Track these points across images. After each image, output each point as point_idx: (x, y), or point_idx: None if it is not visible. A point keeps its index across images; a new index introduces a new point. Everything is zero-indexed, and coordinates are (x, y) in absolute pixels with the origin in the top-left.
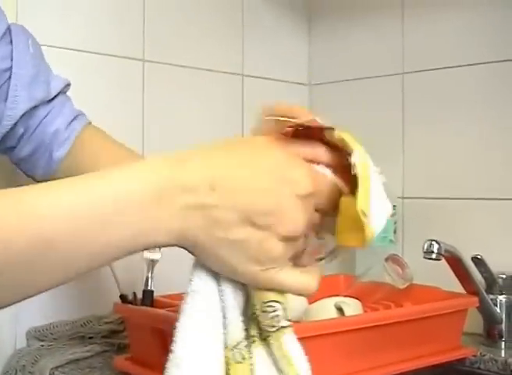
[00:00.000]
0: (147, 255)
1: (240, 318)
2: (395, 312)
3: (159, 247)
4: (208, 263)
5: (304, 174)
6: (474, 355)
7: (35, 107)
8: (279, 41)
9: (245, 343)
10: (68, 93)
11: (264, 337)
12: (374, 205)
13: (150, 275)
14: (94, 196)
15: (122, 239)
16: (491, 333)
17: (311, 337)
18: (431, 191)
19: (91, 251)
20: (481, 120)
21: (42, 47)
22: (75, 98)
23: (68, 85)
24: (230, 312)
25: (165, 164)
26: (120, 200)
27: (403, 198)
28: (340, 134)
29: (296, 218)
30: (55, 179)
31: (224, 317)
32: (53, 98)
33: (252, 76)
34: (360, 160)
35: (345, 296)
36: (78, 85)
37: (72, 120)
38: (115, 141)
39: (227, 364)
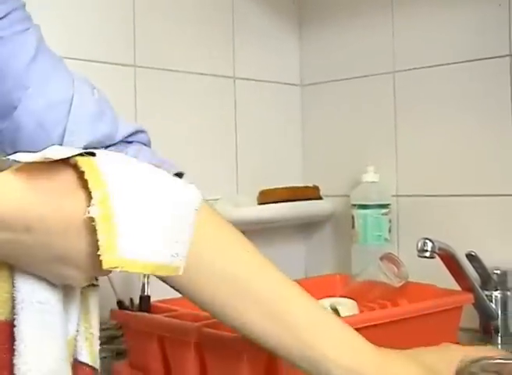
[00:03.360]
0: None
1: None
2: (391, 312)
3: None
4: None
5: None
6: None
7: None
8: (269, 43)
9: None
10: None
11: None
12: None
13: (146, 281)
14: None
15: None
16: (487, 329)
17: None
18: (424, 188)
19: None
20: (473, 117)
21: None
22: None
23: (140, 132)
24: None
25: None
26: None
27: (397, 196)
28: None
29: None
30: None
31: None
32: (125, 142)
33: (244, 79)
34: (98, 202)
35: (340, 296)
36: None
37: None
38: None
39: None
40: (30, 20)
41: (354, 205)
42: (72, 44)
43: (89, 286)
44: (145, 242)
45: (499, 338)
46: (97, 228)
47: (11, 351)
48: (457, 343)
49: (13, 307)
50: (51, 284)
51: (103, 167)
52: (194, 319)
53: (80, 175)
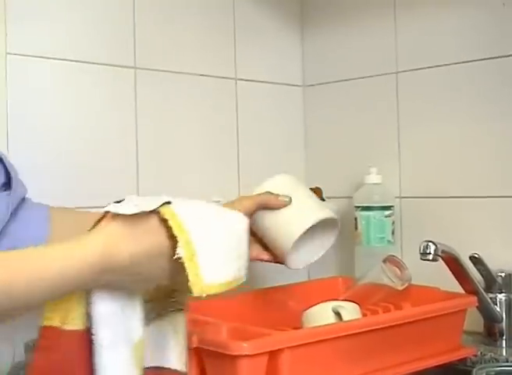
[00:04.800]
0: None
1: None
2: (394, 315)
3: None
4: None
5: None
6: (475, 355)
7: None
8: (271, 43)
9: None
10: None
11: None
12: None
13: None
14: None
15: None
16: (491, 332)
17: (310, 344)
18: (428, 190)
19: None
20: (478, 118)
21: (33, 58)
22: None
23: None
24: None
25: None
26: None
27: (401, 197)
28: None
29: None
30: None
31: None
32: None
33: (245, 80)
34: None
35: (343, 299)
36: (69, 95)
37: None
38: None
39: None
40: None
41: (357, 207)
42: (73, 46)
43: (179, 310)
44: (219, 267)
45: (504, 341)
46: (185, 266)
47: (89, 355)
48: (461, 346)
49: (89, 318)
50: (119, 298)
51: (179, 211)
52: (193, 324)
53: (163, 220)
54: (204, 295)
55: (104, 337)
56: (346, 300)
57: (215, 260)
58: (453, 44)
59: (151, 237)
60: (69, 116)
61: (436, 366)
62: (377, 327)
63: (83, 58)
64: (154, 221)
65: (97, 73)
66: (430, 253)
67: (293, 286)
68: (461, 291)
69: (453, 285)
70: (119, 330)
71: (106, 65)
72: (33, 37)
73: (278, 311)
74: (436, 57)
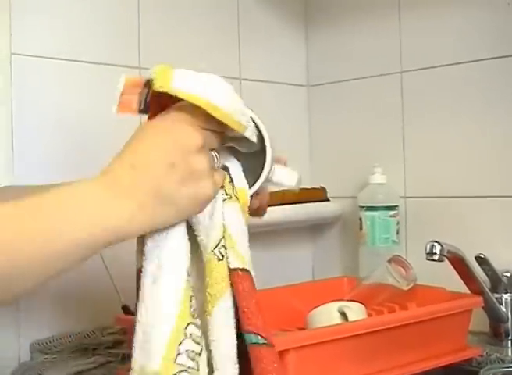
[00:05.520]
0: None
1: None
2: (399, 316)
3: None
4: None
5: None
6: (481, 355)
7: None
8: (275, 43)
9: (222, 243)
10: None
11: None
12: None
13: None
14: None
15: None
16: (497, 332)
17: (316, 344)
18: (433, 190)
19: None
20: (482, 118)
21: (38, 58)
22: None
23: None
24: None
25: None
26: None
27: (405, 197)
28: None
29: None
30: None
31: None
32: None
33: (250, 80)
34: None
35: (348, 299)
36: (74, 95)
37: None
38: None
39: (209, 263)
40: None
41: (362, 207)
42: (78, 47)
43: (224, 200)
44: (195, 84)
45: (510, 341)
46: (155, 75)
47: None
48: (467, 347)
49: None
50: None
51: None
52: None
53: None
54: (165, 90)
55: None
56: (351, 300)
57: (192, 79)
58: (458, 44)
59: None
60: (74, 116)
61: (442, 367)
62: (383, 328)
63: (88, 59)
64: None
65: (102, 74)
66: (436, 253)
67: (298, 286)
68: (466, 291)
69: (457, 285)
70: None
71: (110, 65)
72: (38, 37)
73: (282, 311)
74: (441, 57)
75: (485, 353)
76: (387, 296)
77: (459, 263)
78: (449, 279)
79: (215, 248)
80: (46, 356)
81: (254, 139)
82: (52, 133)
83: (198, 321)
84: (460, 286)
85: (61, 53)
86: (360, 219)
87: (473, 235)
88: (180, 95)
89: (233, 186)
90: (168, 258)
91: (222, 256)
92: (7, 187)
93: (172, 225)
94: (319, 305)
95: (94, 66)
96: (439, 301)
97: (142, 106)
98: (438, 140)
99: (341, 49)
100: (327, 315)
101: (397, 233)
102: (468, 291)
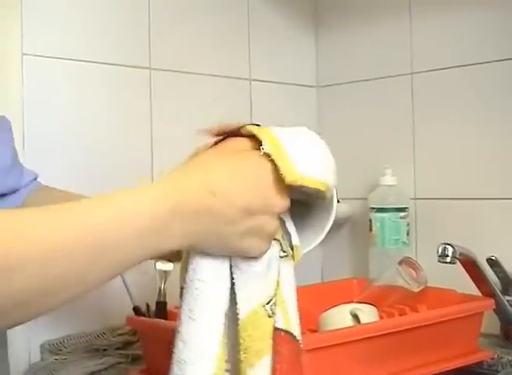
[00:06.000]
0: (160, 266)
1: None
2: (411, 318)
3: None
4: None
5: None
6: (492, 358)
7: (3, 195)
8: (285, 44)
9: (274, 300)
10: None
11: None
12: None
13: (163, 286)
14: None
15: (146, 247)
16: (508, 335)
17: (330, 347)
18: (443, 191)
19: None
20: (493, 119)
21: (49, 59)
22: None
23: (36, 178)
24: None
25: (170, 186)
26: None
27: (416, 199)
28: (249, 129)
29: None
30: None
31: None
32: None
33: (259, 81)
34: (268, 143)
35: (359, 301)
36: (85, 95)
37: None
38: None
39: (257, 316)
40: None
41: (372, 209)
42: (89, 47)
43: (281, 257)
44: (314, 167)
45: None
46: (273, 158)
47: None
48: (478, 349)
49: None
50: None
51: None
52: None
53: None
54: (299, 184)
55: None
56: (361, 302)
57: (305, 156)
58: (470, 45)
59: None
60: (84, 116)
61: (453, 369)
62: (395, 330)
63: (98, 59)
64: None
65: (112, 74)
66: (448, 255)
67: (307, 288)
68: (477, 292)
69: (468, 287)
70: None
71: (121, 65)
72: (49, 38)
73: None
74: (452, 58)
75: (496, 356)
76: (397, 298)
77: (470, 265)
78: (460, 281)
79: (268, 303)
80: (56, 357)
81: (335, 200)
82: (63, 133)
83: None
84: (469, 288)
85: (72, 54)
86: (370, 220)
87: (483, 237)
88: (307, 184)
89: (289, 242)
90: (205, 299)
91: (273, 314)
92: (50, 187)
93: (218, 265)
94: (330, 307)
95: (105, 66)
96: (449, 303)
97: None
98: (448, 141)
99: (351, 50)
100: (339, 317)
101: (407, 234)
102: (478, 293)
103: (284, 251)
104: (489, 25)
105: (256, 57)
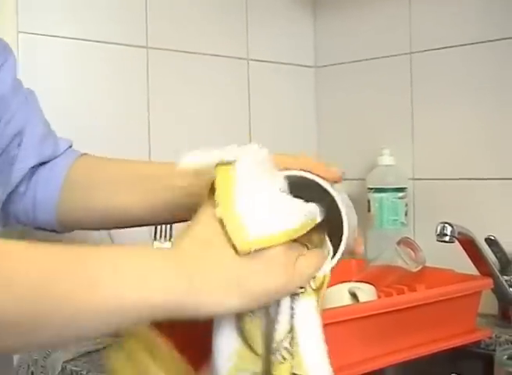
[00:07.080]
0: None
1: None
2: (410, 297)
3: None
4: None
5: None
6: (490, 338)
7: (42, 164)
8: (283, 24)
9: (285, 344)
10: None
11: None
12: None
13: None
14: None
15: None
16: (506, 315)
17: (327, 325)
18: (441, 171)
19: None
20: (492, 99)
21: (45, 37)
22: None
23: (71, 146)
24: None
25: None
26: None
27: (414, 179)
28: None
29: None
30: None
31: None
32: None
33: (257, 60)
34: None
35: (357, 281)
36: (81, 74)
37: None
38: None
39: (272, 364)
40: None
41: (370, 189)
42: (85, 26)
43: (297, 294)
44: (272, 220)
45: None
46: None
47: None
48: (476, 329)
49: None
50: None
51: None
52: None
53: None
54: (253, 250)
55: None
56: (359, 281)
57: (263, 210)
58: (469, 24)
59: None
60: (80, 95)
61: (450, 349)
62: (393, 309)
63: (95, 38)
64: None
65: (109, 53)
66: (446, 234)
67: None
68: (475, 272)
69: (465, 267)
70: None
71: (118, 44)
72: (45, 15)
73: None
74: (451, 37)
75: (493, 335)
76: (396, 278)
77: (469, 245)
78: (458, 261)
79: (277, 350)
80: None
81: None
82: (61, 112)
83: None
84: (467, 268)
85: (68, 32)
86: (369, 201)
87: (482, 217)
88: (266, 245)
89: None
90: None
91: (284, 359)
92: (86, 154)
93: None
94: (329, 287)
95: (101, 44)
96: (448, 283)
97: None
98: (447, 121)
99: (349, 30)
100: (338, 296)
101: (406, 215)
102: (477, 273)
103: (301, 287)
104: (489, 3)
105: (254, 37)
